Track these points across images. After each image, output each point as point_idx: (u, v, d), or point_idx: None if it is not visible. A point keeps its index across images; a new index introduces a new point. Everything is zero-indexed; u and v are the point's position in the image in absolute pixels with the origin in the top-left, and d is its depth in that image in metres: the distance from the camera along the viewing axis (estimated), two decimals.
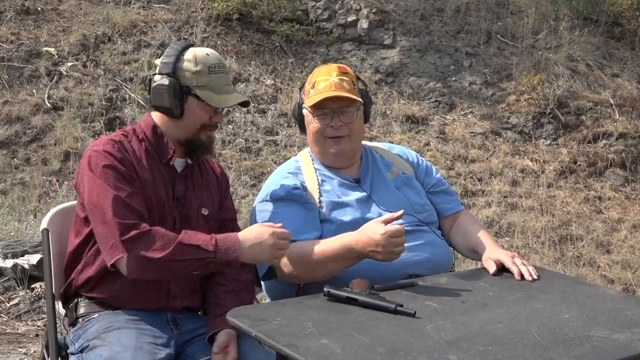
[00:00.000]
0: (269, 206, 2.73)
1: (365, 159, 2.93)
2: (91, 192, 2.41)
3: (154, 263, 2.33)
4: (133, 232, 2.33)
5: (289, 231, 2.49)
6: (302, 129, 2.90)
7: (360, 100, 2.79)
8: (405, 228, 2.63)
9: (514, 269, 2.58)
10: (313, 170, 2.85)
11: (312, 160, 2.90)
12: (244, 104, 2.66)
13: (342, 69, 2.83)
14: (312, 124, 2.80)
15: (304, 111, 2.84)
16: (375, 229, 2.48)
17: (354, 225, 2.63)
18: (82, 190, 2.46)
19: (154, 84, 2.52)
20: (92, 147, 2.49)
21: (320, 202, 2.75)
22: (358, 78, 2.90)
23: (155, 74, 2.55)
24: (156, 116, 2.60)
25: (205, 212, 2.64)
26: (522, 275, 2.55)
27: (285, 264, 2.59)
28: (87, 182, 2.43)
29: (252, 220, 2.74)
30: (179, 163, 2.62)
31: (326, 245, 2.57)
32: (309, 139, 2.88)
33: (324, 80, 2.78)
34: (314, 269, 2.57)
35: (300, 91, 2.92)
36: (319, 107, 2.77)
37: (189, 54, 2.53)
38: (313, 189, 2.79)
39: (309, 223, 2.69)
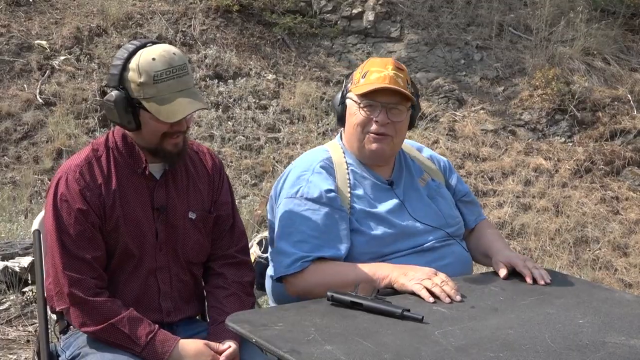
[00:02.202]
0: (298, 207, 2.65)
1: (398, 161, 2.87)
2: (47, 229, 2.44)
3: (86, 331, 2.40)
4: (76, 294, 2.36)
5: (312, 243, 2.56)
6: (341, 119, 2.81)
7: (414, 99, 2.68)
8: (434, 245, 2.71)
9: (525, 273, 2.56)
10: (345, 166, 2.77)
11: (344, 153, 2.81)
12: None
13: (398, 64, 2.75)
14: (357, 115, 2.70)
15: (348, 101, 2.74)
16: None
17: (386, 240, 2.65)
18: (44, 215, 2.50)
19: (104, 99, 2.41)
20: (61, 171, 2.47)
21: (351, 207, 2.68)
22: (411, 81, 2.82)
23: (106, 85, 2.43)
24: None
25: (192, 216, 2.55)
26: (534, 279, 2.54)
27: (310, 282, 2.56)
28: (46, 214, 2.47)
29: (277, 212, 2.71)
30: (156, 169, 2.52)
31: (365, 273, 2.53)
32: (347, 132, 2.78)
33: (378, 72, 2.68)
34: (343, 289, 2.47)
35: (346, 80, 2.84)
36: (368, 98, 2.67)
37: (134, 61, 2.36)
38: (344, 191, 2.71)
39: (338, 234, 2.63)
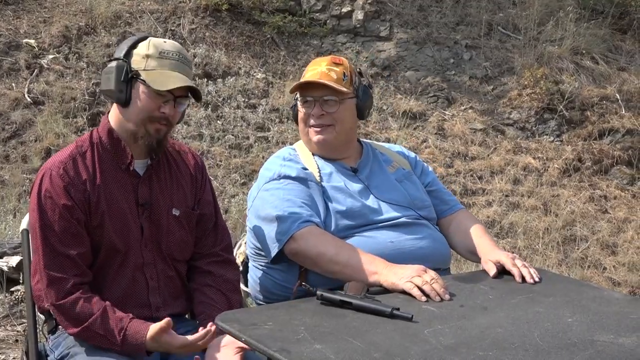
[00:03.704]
0: (280, 184, 2.75)
1: (366, 152, 2.98)
2: (32, 225, 2.44)
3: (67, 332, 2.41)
4: (51, 295, 2.37)
5: (304, 208, 2.63)
6: (296, 120, 2.95)
7: (343, 90, 2.76)
8: (406, 220, 2.78)
9: (514, 271, 2.57)
10: (311, 157, 2.89)
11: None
12: (196, 96, 2.48)
13: (336, 60, 2.89)
14: (299, 112, 2.88)
15: (297, 102, 2.91)
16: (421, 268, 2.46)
17: (350, 214, 2.73)
18: (29, 212, 2.49)
19: (104, 68, 2.47)
20: (45, 168, 2.46)
21: (321, 185, 2.80)
22: (360, 73, 2.96)
23: (111, 59, 2.47)
24: (112, 117, 2.51)
25: (176, 212, 2.58)
26: (523, 278, 2.55)
27: (310, 242, 2.59)
28: (30, 211, 2.46)
29: (256, 204, 2.77)
30: (140, 165, 2.54)
31: (357, 260, 2.55)
32: (299, 129, 2.95)
33: (312, 70, 2.84)
34: (331, 266, 2.57)
35: None
36: (302, 95, 2.84)
37: (146, 40, 2.46)
38: (314, 172, 2.83)
39: (318, 204, 2.73)
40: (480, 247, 2.79)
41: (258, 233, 2.76)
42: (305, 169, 2.81)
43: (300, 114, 2.87)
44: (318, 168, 2.85)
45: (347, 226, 2.73)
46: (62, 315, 2.38)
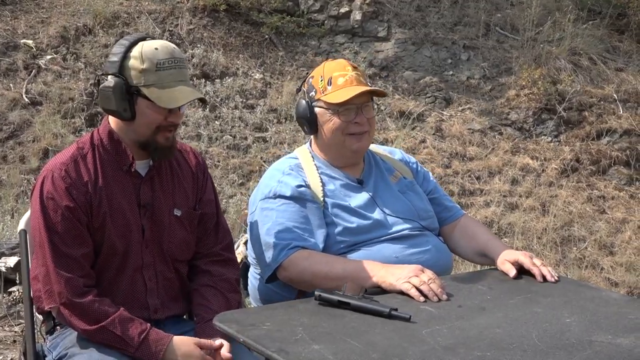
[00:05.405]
0: (273, 204, 2.71)
1: (368, 161, 2.93)
2: (34, 227, 2.42)
3: (77, 329, 2.38)
4: (65, 293, 2.34)
5: (294, 233, 2.60)
6: (313, 128, 2.83)
7: (386, 92, 2.75)
8: (410, 233, 2.75)
9: (534, 270, 2.55)
10: (314, 168, 2.83)
11: (313, 157, 2.87)
12: (202, 100, 2.48)
13: (351, 64, 2.82)
14: (333, 121, 2.77)
15: (318, 109, 2.78)
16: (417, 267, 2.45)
17: (356, 232, 2.70)
18: (31, 214, 2.48)
19: (100, 86, 2.41)
20: (46, 169, 2.44)
21: (324, 201, 2.74)
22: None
23: (103, 74, 2.44)
24: (112, 120, 2.49)
25: (177, 213, 2.56)
26: (543, 277, 2.54)
27: (300, 267, 2.57)
28: (32, 212, 2.45)
29: (254, 218, 2.74)
30: (142, 166, 2.52)
31: (352, 268, 2.54)
32: (324, 138, 2.82)
33: (342, 76, 2.75)
34: (328, 283, 2.51)
35: (303, 89, 2.86)
36: (345, 103, 2.72)
37: (136, 50, 2.39)
38: (316, 187, 2.77)
39: (315, 223, 2.69)
40: (493, 248, 2.77)
41: (254, 249, 2.76)
42: (303, 185, 2.75)
43: (339, 122, 2.75)
44: (321, 183, 2.79)
45: (352, 242, 2.72)
46: (77, 313, 2.35)
